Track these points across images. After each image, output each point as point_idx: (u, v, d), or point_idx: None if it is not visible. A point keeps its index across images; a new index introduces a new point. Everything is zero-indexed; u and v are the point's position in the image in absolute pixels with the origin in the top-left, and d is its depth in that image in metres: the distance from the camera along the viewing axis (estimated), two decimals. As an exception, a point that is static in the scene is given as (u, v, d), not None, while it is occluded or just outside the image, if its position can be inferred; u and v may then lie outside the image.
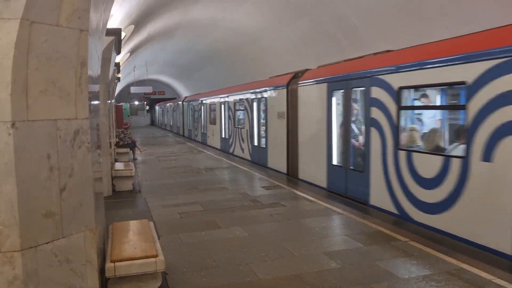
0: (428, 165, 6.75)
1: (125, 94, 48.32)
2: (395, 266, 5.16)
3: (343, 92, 9.43)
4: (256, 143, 15.43)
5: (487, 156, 5.65)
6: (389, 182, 7.69)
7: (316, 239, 6.28)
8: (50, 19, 2.98)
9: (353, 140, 9.21)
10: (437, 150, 6.93)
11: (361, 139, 8.98)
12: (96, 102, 4.72)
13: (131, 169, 10.62)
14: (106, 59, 8.81)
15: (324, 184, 10.19)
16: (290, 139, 12.31)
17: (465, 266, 5.09)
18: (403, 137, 7.56)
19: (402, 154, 7.35)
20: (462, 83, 6.10)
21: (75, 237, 3.36)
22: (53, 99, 3.12)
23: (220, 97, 20.44)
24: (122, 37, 10.00)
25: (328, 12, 12.48)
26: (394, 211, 7.55)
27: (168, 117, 43.26)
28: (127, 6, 10.52)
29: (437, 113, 7.75)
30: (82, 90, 3.34)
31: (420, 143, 7.44)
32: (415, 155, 7.07)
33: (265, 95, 14.19)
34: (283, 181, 11.13)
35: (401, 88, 7.41)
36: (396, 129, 7.51)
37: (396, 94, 7.46)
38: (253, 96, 15.50)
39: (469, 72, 5.98)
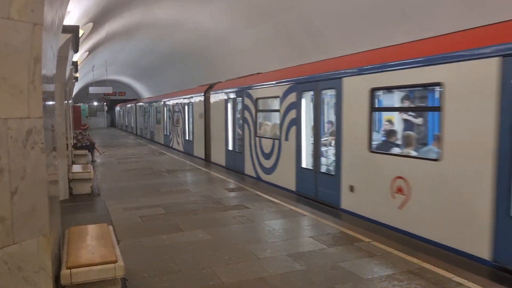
0: (267, 145, 11.44)
1: (84, 94, 46.94)
2: (359, 267, 5.19)
3: (231, 100, 14.13)
4: (186, 138, 20.27)
5: (286, 138, 10.36)
6: (252, 160, 12.35)
7: (280, 241, 6.25)
8: (1, 12, 2.79)
9: (239, 131, 13.60)
10: (272, 136, 11.50)
11: (241, 131, 13.39)
12: (51, 102, 4.49)
13: (90, 172, 10.26)
14: (62, 58, 8.48)
15: (223, 163, 14.96)
16: (206, 133, 16.89)
17: (426, 265, 5.18)
18: (259, 129, 12.23)
19: (257, 140, 12.11)
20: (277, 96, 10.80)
21: (28, 243, 3.16)
22: (4, 97, 2.92)
23: (164, 101, 25.03)
24: (80, 35, 9.65)
25: (292, 15, 12.55)
26: (254, 175, 12.17)
27: (127, 118, 42.86)
28: (85, 3, 10.19)
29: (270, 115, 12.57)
30: (35, 87, 3.15)
31: (268, 132, 11.99)
32: (263, 140, 11.75)
33: (192, 100, 18.81)
34: (247, 183, 11.06)
35: (258, 98, 12.15)
36: (255, 125, 12.27)
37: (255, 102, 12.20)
38: (185, 101, 20.15)
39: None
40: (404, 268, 5.12)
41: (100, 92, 38.05)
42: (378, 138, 8.10)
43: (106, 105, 53.77)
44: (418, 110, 7.83)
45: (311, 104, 9.51)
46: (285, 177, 10.51)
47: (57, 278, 3.90)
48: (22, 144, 3.08)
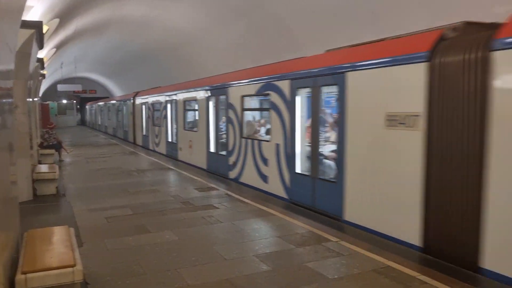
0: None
1: (53, 92, 45.74)
2: (326, 267, 5.19)
3: (149, 105, 20.60)
4: (125, 129, 27.67)
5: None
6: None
7: (248, 242, 6.19)
8: None
9: (156, 129, 19.17)
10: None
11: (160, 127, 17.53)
12: (7, 100, 4.31)
13: (55, 172, 9.96)
14: (25, 54, 8.20)
15: (163, 152, 18.73)
16: (135, 130, 24.79)
17: (391, 264, 5.22)
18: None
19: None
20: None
21: (-23, 249, 3.01)
22: None
23: (112, 102, 32.73)
24: (44, 31, 9.34)
25: (264, 14, 12.52)
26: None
27: (96, 117, 42.60)
28: (50, -2, 9.89)
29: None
30: (-15, 84, 3.00)
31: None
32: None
33: (128, 103, 26.06)
34: (216, 183, 10.97)
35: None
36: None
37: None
38: (123, 102, 27.71)
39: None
40: (370, 267, 5.14)
41: (69, 89, 37.19)
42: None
43: (76, 103, 52.58)
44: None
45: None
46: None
47: (12, 283, 3.73)
48: (-31, 143, 2.92)
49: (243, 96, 10.97)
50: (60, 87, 34.47)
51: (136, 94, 24.05)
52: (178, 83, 17.77)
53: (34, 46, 8.68)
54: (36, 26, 8.03)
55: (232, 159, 11.64)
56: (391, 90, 6.38)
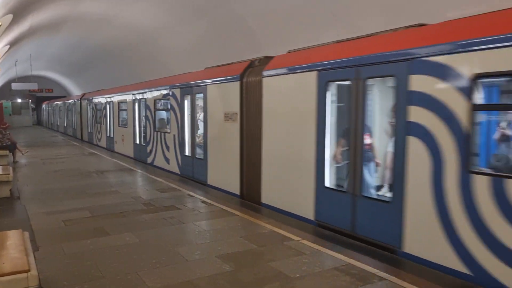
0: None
1: (7, 91, 43.91)
2: (288, 266, 5.22)
3: (93, 105, 23.35)
4: (74, 127, 30.43)
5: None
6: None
7: (210, 242, 6.15)
8: None
9: (98, 126, 22.11)
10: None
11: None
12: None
13: (9, 174, 9.57)
14: (-25, 50, 7.82)
15: (104, 145, 21.52)
16: (82, 127, 27.69)
17: (352, 261, 5.32)
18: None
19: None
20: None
21: None
22: None
23: (64, 102, 34.73)
24: (-4, 27, 8.96)
25: (226, 13, 12.49)
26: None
27: (67, 118, 41.30)
28: (3, -8, 9.49)
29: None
30: None
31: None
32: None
33: (76, 103, 28.92)
34: (179, 183, 10.85)
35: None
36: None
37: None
38: (73, 102, 30.37)
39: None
40: (331, 265, 5.22)
41: (24, 88, 35.83)
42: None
43: (32, 102, 50.73)
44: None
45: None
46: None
47: (-39, 291, 3.56)
48: None
49: (154, 100, 14.34)
50: (14, 86, 33.13)
51: (83, 95, 28.12)
52: (115, 87, 21.37)
53: (-14, 42, 8.31)
54: (-12, 21, 7.68)
55: (149, 148, 15.05)
56: (225, 98, 9.91)
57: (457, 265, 4.92)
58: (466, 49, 4.88)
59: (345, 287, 4.62)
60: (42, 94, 47.63)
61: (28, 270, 3.75)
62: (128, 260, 5.45)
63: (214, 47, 14.79)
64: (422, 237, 5.39)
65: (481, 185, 4.69)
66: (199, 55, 15.90)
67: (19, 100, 48.26)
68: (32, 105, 50.93)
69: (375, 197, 6.58)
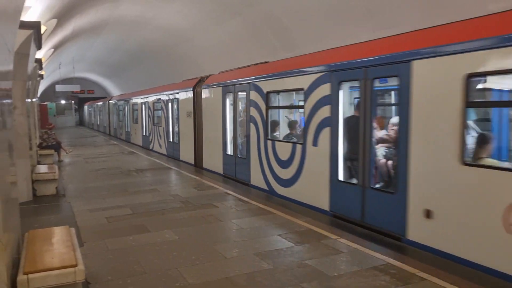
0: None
1: (51, 92, 45.66)
2: (325, 264, 5.21)
3: (117, 106, 29.74)
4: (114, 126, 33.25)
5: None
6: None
7: (247, 240, 6.21)
8: None
9: (120, 123, 28.41)
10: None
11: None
12: (6, 100, 4.32)
13: (54, 172, 9.98)
14: (23, 55, 8.21)
15: (124, 138, 26.92)
16: (110, 125, 33.69)
17: (391, 261, 5.25)
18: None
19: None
20: None
21: (-21, 250, 3.03)
22: None
23: (104, 102, 36.67)
24: (42, 32, 9.34)
25: (259, 12, 12.52)
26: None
27: (100, 117, 42.76)
28: (48, -2, 9.88)
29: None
30: (-16, 85, 3.01)
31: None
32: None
33: (105, 104, 35.17)
34: (216, 182, 10.99)
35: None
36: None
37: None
38: (112, 103, 32.17)
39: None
40: (369, 264, 5.17)
41: (67, 90, 37.14)
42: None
43: (75, 103, 52.54)
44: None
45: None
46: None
47: (14, 284, 3.75)
48: (-30, 145, 2.94)
49: (153, 102, 19.78)
50: (58, 88, 34.43)
51: (111, 98, 34.22)
52: (130, 92, 28.54)
53: (32, 46, 8.68)
54: (34, 26, 8.03)
55: (150, 138, 20.61)
56: (187, 101, 15.05)
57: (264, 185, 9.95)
58: None
59: (385, 286, 4.57)
60: (84, 95, 49.22)
61: (76, 265, 3.91)
62: (168, 256, 5.58)
63: (248, 46, 14.86)
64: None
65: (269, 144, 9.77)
66: (233, 55, 16.02)
67: (62, 102, 50.10)
68: (74, 106, 52.74)
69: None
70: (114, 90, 44.10)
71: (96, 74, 41.94)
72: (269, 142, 9.77)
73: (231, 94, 11.63)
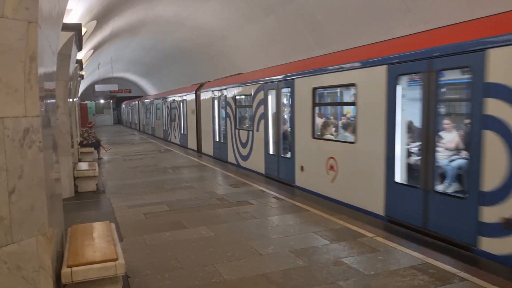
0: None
1: (90, 92, 47.01)
2: (362, 263, 5.16)
3: (145, 106, 35.56)
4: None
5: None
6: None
7: (283, 237, 6.23)
8: (-6, 10, 2.77)
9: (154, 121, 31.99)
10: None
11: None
12: (51, 100, 4.49)
13: (95, 169, 10.30)
14: (65, 56, 8.49)
15: (161, 136, 28.68)
16: (140, 122, 39.35)
17: (430, 261, 5.14)
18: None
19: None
20: None
21: (27, 243, 3.16)
22: (-1, 96, 2.92)
23: (141, 101, 38.38)
24: (83, 33, 9.65)
25: (293, 10, 12.46)
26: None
27: (132, 115, 44.23)
28: (87, 1, 10.17)
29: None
30: (32, 86, 3.14)
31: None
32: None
33: (139, 103, 38.49)
34: (251, 179, 11.05)
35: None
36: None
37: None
38: (148, 102, 34.09)
39: None
40: (407, 263, 5.08)
41: (106, 89, 38.16)
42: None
43: (113, 102, 53.95)
44: None
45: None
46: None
47: (59, 276, 3.90)
48: (19, 143, 3.07)
49: (181, 102, 22.38)
50: (98, 87, 35.43)
51: (140, 98, 39.35)
52: (156, 93, 33.90)
53: (74, 47, 8.98)
54: (76, 28, 8.30)
55: (168, 132, 25.64)
56: (191, 102, 19.54)
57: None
58: None
59: (423, 286, 4.48)
60: (122, 94, 50.41)
61: (116, 259, 4.03)
62: (205, 252, 5.67)
63: (282, 43, 14.82)
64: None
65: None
66: (267, 53, 16.02)
67: (101, 101, 51.53)
68: (112, 105, 54.16)
69: None
70: (150, 89, 44.95)
71: (133, 74, 42.87)
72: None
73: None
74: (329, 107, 11.73)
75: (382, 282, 4.62)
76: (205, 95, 17.43)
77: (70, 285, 3.93)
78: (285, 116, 11.24)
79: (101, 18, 13.59)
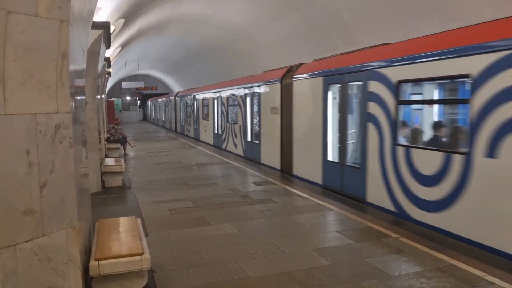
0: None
1: (117, 89, 47.93)
2: (386, 263, 5.11)
3: (160, 104, 42.20)
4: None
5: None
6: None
7: (306, 236, 6.22)
8: (28, 9, 2.86)
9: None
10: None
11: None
12: (81, 97, 4.60)
13: (121, 165, 10.48)
14: (94, 53, 8.67)
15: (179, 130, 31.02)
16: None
17: (456, 263, 5.05)
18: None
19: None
20: None
21: (57, 235, 3.26)
22: (32, 92, 3.01)
23: (168, 98, 37.90)
24: (111, 31, 9.83)
25: (319, 7, 12.40)
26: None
27: (160, 113, 44.09)
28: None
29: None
30: (63, 83, 3.23)
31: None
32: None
33: (179, 100, 31.28)
34: (274, 177, 11.05)
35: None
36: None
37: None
38: (173, 99, 34.06)
39: None
40: (433, 265, 5.00)
41: (132, 86, 38.81)
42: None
43: (139, 99, 54.74)
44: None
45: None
46: None
47: (87, 269, 4.00)
48: (50, 138, 3.16)
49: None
50: (124, 84, 36.05)
51: (151, 98, 43.34)
52: (180, 90, 33.31)
53: (102, 45, 9.16)
54: (104, 26, 8.47)
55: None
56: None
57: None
58: None
59: (449, 288, 4.41)
60: (148, 91, 51.08)
61: (142, 253, 4.11)
62: (228, 249, 5.71)
63: (308, 41, 14.76)
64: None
65: None
66: (293, 50, 15.98)
67: (128, 98, 52.36)
68: (138, 102, 54.96)
69: None
70: (175, 86, 45.42)
71: (159, 71, 43.41)
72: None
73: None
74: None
75: (406, 283, 4.56)
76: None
77: (97, 277, 4.03)
78: None
79: (128, 16, 13.82)
